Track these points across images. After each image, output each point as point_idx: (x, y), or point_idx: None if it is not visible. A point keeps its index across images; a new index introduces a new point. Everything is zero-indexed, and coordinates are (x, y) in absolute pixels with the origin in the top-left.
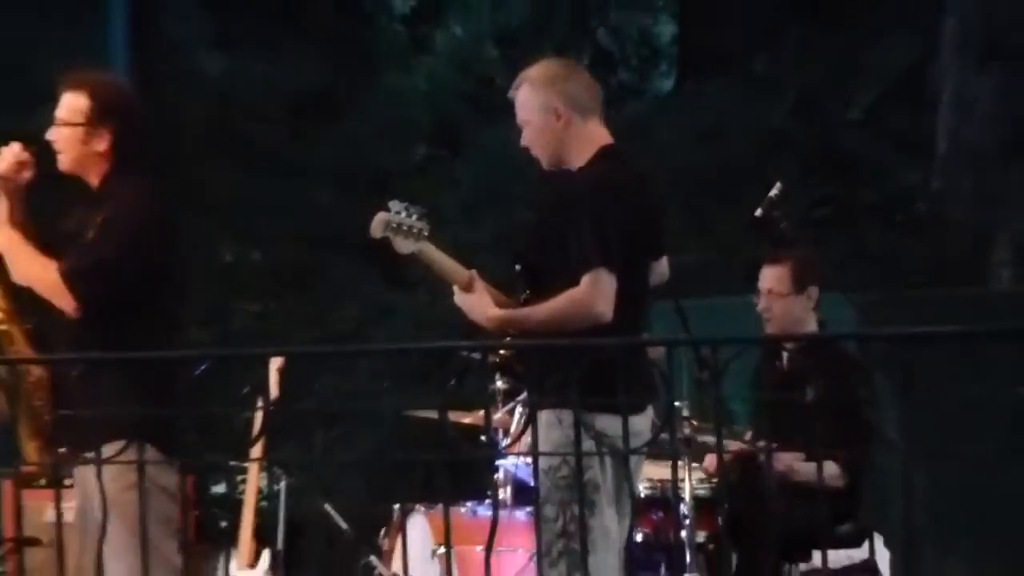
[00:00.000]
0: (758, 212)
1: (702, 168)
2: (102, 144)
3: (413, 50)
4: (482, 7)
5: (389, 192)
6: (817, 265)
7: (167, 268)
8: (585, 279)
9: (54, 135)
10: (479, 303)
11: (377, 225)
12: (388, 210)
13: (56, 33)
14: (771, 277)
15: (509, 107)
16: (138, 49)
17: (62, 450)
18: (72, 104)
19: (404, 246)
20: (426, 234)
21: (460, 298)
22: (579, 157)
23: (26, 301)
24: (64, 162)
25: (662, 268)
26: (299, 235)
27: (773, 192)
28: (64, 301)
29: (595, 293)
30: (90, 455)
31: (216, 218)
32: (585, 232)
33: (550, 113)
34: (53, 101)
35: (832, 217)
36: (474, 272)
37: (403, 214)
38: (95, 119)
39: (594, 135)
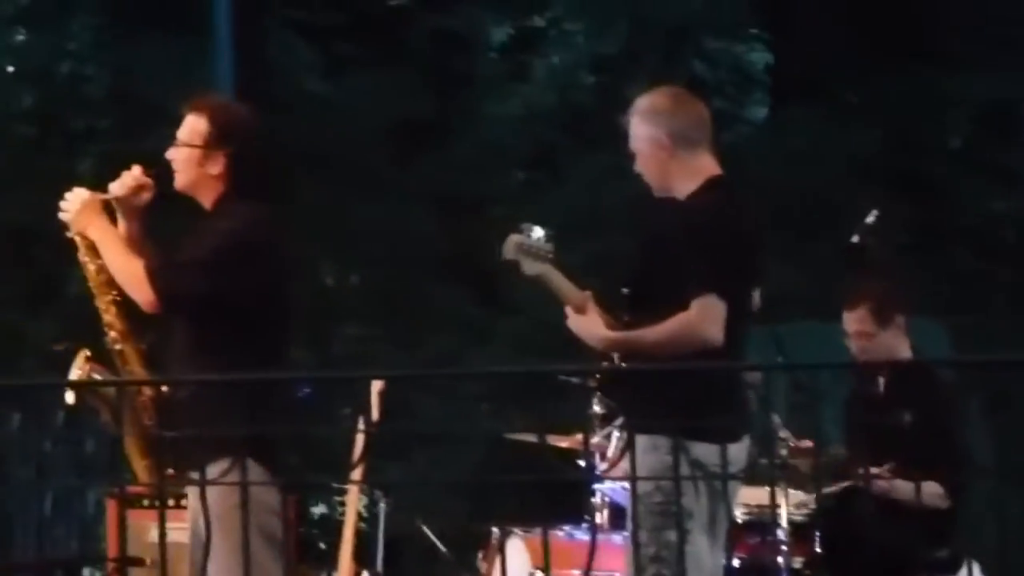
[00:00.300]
0: (854, 238)
1: (795, 194)
2: (216, 167)
3: (510, 78)
4: (578, 36)
5: (487, 216)
6: (898, 295)
7: (274, 293)
8: (695, 303)
9: (173, 155)
10: (592, 324)
11: (509, 247)
12: (520, 232)
13: (165, 58)
14: (853, 320)
15: (604, 134)
16: (242, 75)
17: (170, 471)
18: (192, 126)
19: (531, 268)
20: (551, 257)
21: (573, 320)
22: (684, 187)
23: (141, 321)
24: (180, 182)
25: (755, 297)
26: (399, 259)
27: (869, 219)
28: (142, 294)
29: (706, 317)
30: (195, 474)
31: (318, 242)
32: (696, 258)
33: (655, 145)
34: (166, 123)
35: (922, 243)
36: (589, 294)
37: (533, 237)
38: (212, 142)
39: (701, 166)
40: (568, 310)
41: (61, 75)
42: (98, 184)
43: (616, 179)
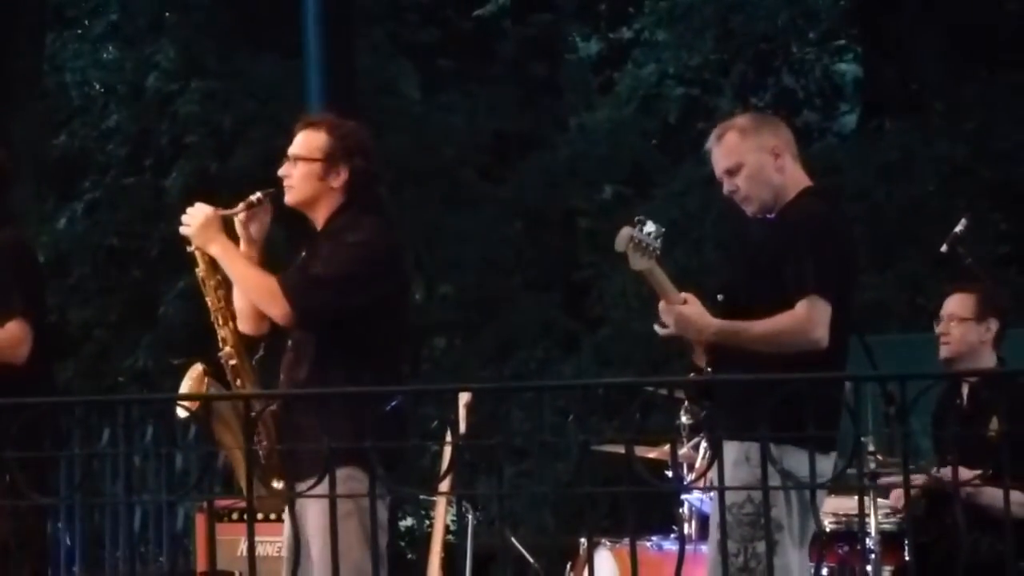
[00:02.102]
0: (944, 248)
1: (886, 204)
2: (338, 181)
3: (600, 91)
4: (668, 48)
5: (575, 229)
6: (1002, 300)
7: (395, 306)
8: (802, 303)
9: (286, 171)
10: (699, 313)
11: (621, 239)
12: (633, 225)
13: (255, 75)
14: (955, 302)
15: (692, 147)
16: (333, 91)
17: (276, 484)
18: (311, 141)
19: (639, 263)
20: (658, 253)
21: (680, 311)
22: (788, 196)
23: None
24: (294, 197)
25: None
26: (488, 271)
27: (959, 228)
28: (277, 307)
29: (813, 317)
30: (307, 483)
31: (409, 255)
32: (803, 261)
33: (766, 152)
34: (255, 140)
35: (1014, 253)
36: (689, 295)
37: (645, 231)
38: (334, 156)
39: (799, 176)
40: (669, 306)
41: (150, 92)
42: (186, 202)
43: (703, 191)
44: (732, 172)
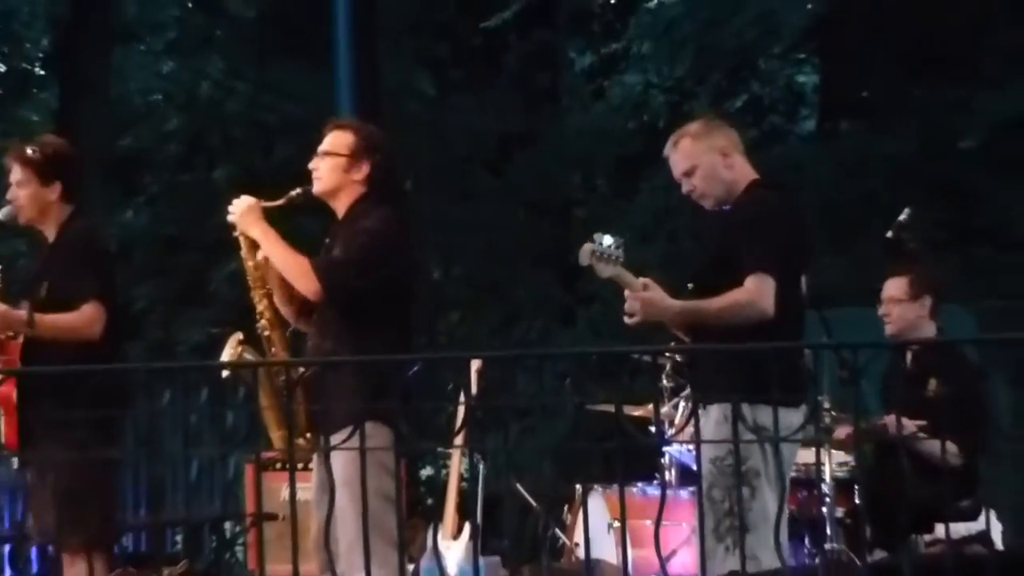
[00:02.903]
0: (890, 234)
1: (841, 198)
2: (360, 174)
3: (592, 97)
4: (652, 60)
5: (570, 218)
6: (932, 279)
7: (407, 286)
8: (750, 279)
9: (316, 164)
10: (660, 296)
11: (584, 254)
12: (593, 241)
13: (292, 83)
14: (893, 286)
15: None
16: (360, 96)
17: (300, 440)
18: (338, 140)
19: (605, 271)
20: (622, 260)
21: (645, 297)
22: (738, 188)
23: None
24: (321, 187)
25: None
26: (495, 254)
27: (903, 217)
28: (308, 284)
29: (760, 291)
30: (331, 438)
31: (425, 240)
32: (750, 243)
33: (716, 153)
34: (293, 139)
35: (948, 238)
36: (648, 281)
37: (604, 244)
38: (358, 153)
39: (747, 171)
40: (633, 294)
41: (202, 99)
42: (233, 194)
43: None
44: (689, 174)
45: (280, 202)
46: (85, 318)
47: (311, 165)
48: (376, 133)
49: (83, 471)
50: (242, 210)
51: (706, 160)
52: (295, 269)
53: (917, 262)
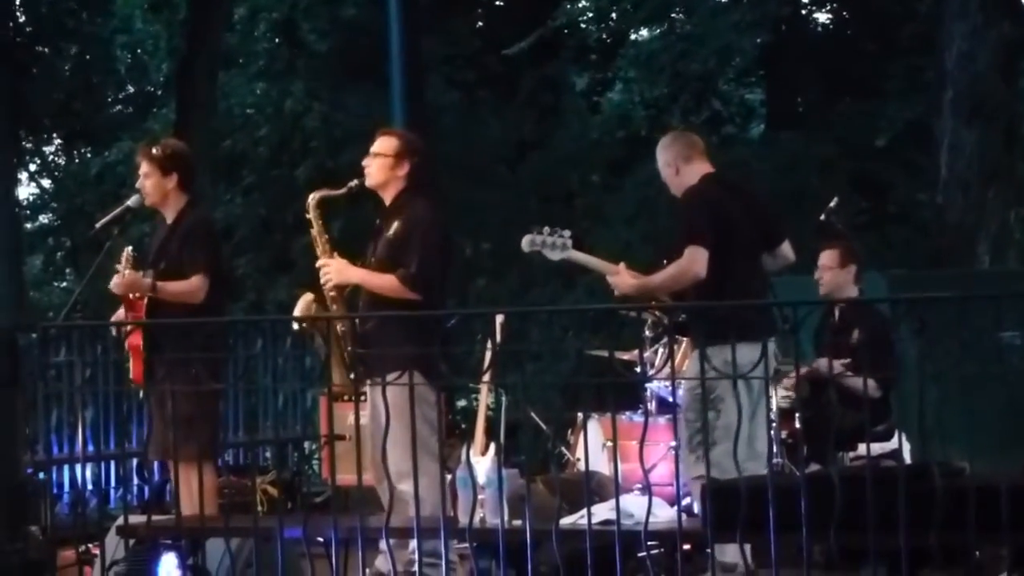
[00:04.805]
0: (822, 217)
1: (782, 189)
2: (402, 171)
3: (589, 111)
4: (636, 83)
5: (573, 204)
6: (856, 252)
7: (444, 259)
8: (686, 251)
9: (368, 162)
10: (624, 278)
11: (525, 244)
12: (531, 232)
13: (356, 102)
14: (825, 256)
15: (653, 152)
16: (410, 111)
17: (352, 376)
18: (386, 144)
19: (553, 255)
20: (570, 245)
21: (614, 279)
22: (688, 184)
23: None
24: (372, 180)
25: (785, 252)
26: (512, 234)
27: (832, 204)
28: (401, 292)
29: (692, 260)
30: (379, 379)
31: (458, 223)
32: (685, 222)
33: (669, 167)
34: (358, 146)
35: (867, 221)
36: (621, 266)
37: (544, 234)
38: (402, 154)
39: (696, 170)
40: (610, 277)
41: (286, 113)
42: (311, 187)
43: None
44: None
45: (342, 191)
46: (193, 286)
47: (364, 163)
48: (416, 139)
49: (195, 400)
50: (335, 270)
51: (664, 171)
52: (387, 287)
53: (844, 238)
